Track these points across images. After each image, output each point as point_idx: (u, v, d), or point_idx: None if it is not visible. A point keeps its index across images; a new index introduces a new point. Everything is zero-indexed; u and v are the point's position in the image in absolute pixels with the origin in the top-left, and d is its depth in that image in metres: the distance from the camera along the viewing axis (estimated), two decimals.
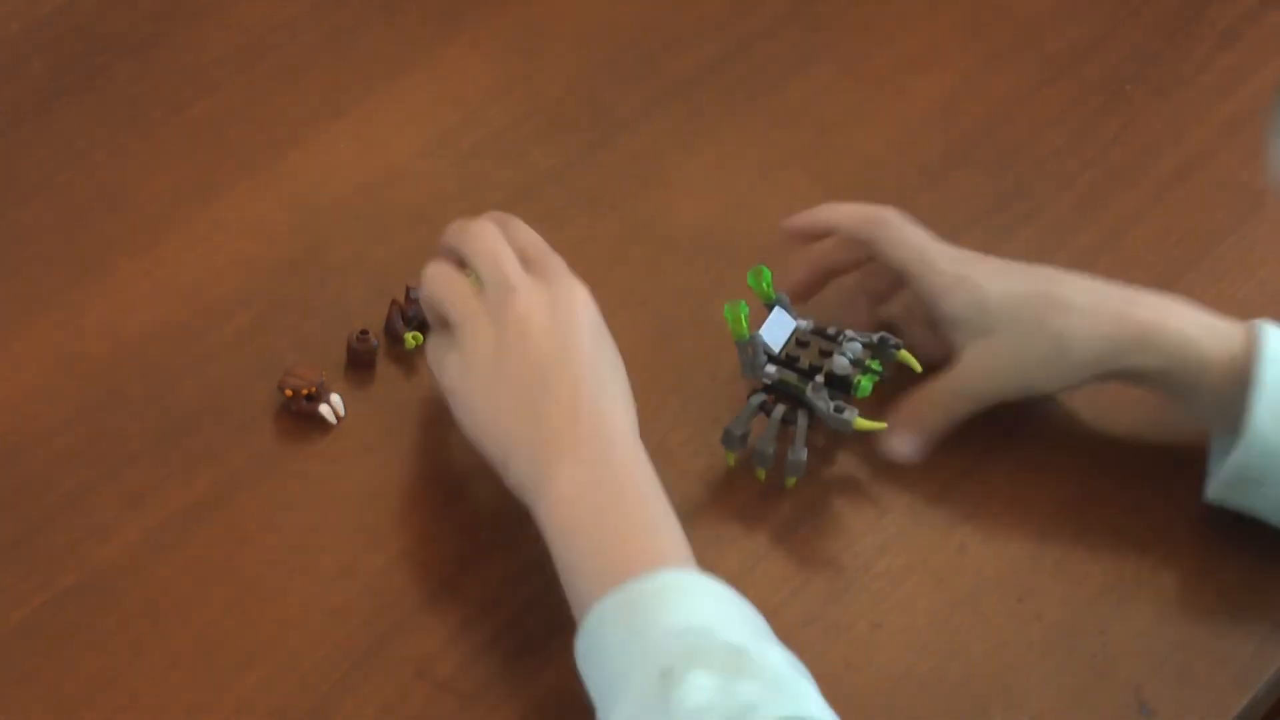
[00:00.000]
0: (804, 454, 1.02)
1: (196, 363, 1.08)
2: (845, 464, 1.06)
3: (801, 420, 1.02)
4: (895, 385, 1.04)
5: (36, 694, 0.95)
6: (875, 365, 1.02)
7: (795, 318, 1.04)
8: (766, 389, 1.03)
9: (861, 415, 1.01)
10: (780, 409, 1.02)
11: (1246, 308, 1.10)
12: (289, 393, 1.05)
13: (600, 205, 1.19)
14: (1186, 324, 1.02)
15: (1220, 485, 1.01)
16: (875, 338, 1.03)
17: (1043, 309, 1.02)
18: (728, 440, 1.03)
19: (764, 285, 1.03)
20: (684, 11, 1.31)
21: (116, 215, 1.15)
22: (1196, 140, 1.26)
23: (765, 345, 1.02)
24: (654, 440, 1.06)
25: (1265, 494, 1.00)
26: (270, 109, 1.22)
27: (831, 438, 1.05)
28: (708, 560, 1.01)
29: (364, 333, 1.08)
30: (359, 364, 1.08)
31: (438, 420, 1.07)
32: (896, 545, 1.03)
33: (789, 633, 0.99)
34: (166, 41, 1.25)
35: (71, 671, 0.95)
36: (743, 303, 1.00)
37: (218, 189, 1.17)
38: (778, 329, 1.03)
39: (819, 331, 1.04)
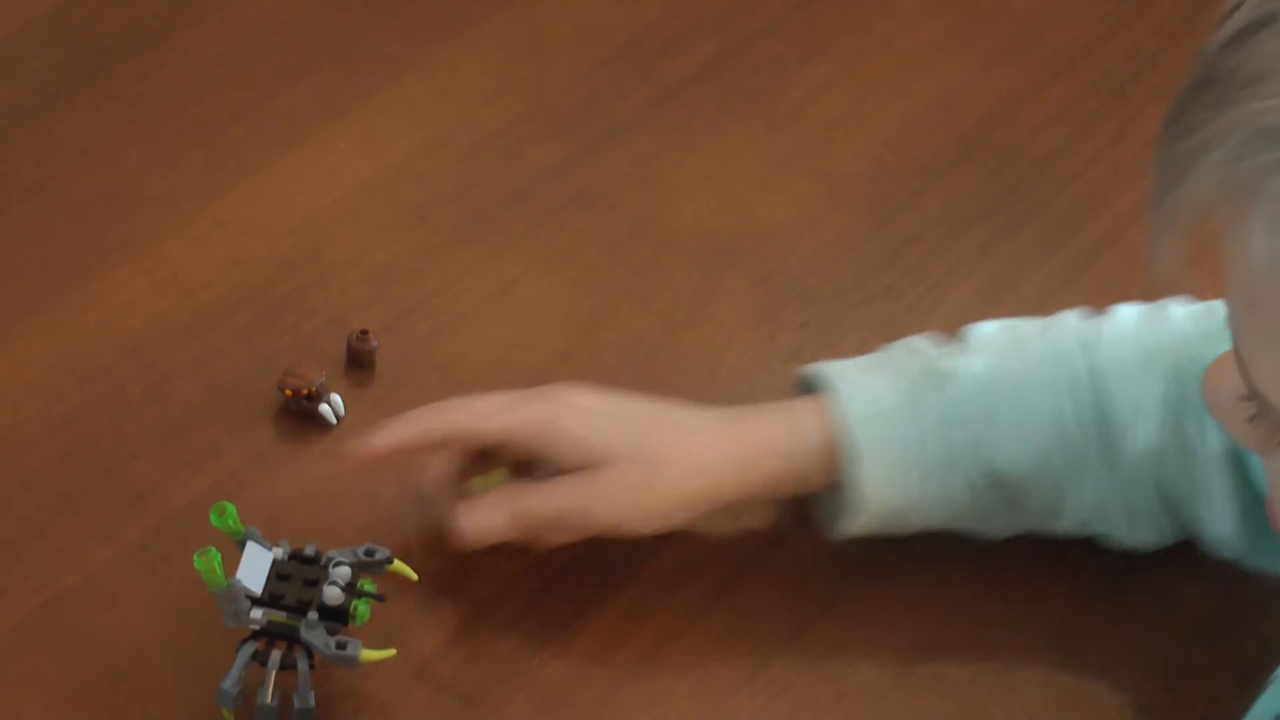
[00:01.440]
0: (311, 700, 0.92)
1: (196, 363, 1.08)
2: None
3: (302, 663, 0.92)
4: None
5: (36, 694, 0.95)
6: (369, 586, 0.93)
7: (269, 547, 0.94)
8: (257, 634, 0.93)
9: (366, 645, 0.92)
10: (276, 655, 0.92)
11: None
12: (289, 393, 1.05)
13: (600, 205, 1.19)
14: (760, 437, 1.00)
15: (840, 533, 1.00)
16: (361, 553, 0.94)
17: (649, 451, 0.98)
18: (223, 699, 0.92)
19: (229, 521, 0.93)
20: (684, 11, 1.31)
21: (116, 215, 1.16)
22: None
23: (245, 589, 0.91)
24: None
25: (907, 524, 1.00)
26: (270, 109, 1.22)
27: None
28: (706, 559, 1.02)
29: (364, 332, 1.08)
30: (359, 364, 1.08)
31: None
32: (895, 545, 1.03)
33: (789, 634, 0.99)
34: (166, 41, 1.25)
35: (71, 671, 0.95)
36: (212, 549, 0.89)
37: (218, 189, 1.17)
38: (255, 566, 0.93)
39: (298, 557, 0.94)
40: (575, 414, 0.97)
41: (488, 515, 0.96)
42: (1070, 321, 1.00)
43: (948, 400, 0.97)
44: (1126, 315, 1.00)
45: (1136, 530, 0.99)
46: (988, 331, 1.01)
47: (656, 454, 0.97)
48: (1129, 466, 0.97)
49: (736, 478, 0.98)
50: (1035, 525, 1.00)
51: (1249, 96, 0.65)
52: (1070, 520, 0.99)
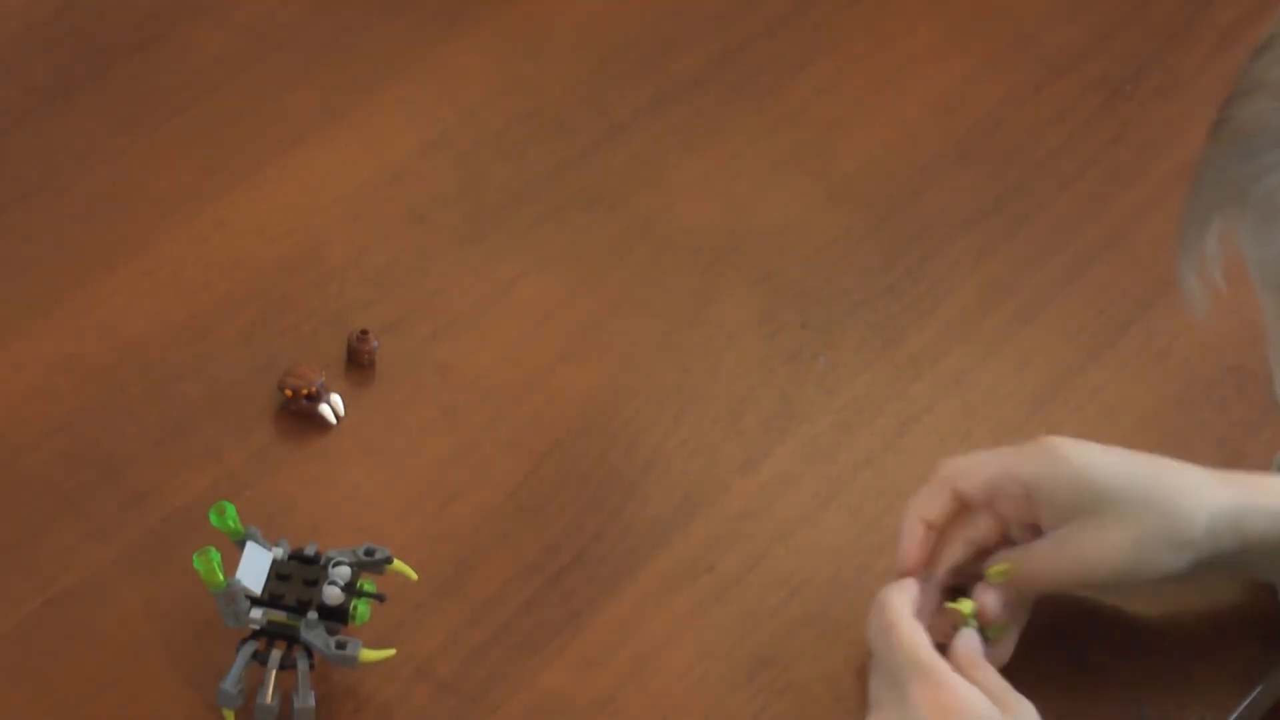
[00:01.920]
0: (312, 700, 0.92)
1: (196, 363, 1.08)
2: (844, 466, 1.06)
3: (303, 663, 0.92)
4: None
5: (36, 694, 0.95)
6: (369, 586, 0.93)
7: (269, 547, 0.94)
8: (256, 634, 0.93)
9: (366, 645, 0.92)
10: (276, 655, 0.93)
11: (1245, 307, 1.10)
12: (289, 393, 1.06)
13: (600, 205, 1.19)
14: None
15: None
16: (361, 553, 0.94)
17: (1152, 481, 0.95)
18: (223, 699, 0.92)
19: (229, 521, 0.93)
20: (684, 11, 1.31)
21: (116, 215, 1.16)
22: (1196, 140, 1.25)
23: (245, 589, 0.92)
24: (653, 440, 1.06)
25: None
26: (270, 109, 1.22)
27: None
28: (709, 561, 1.02)
29: (364, 332, 1.08)
30: (359, 364, 1.08)
31: (438, 420, 1.07)
32: (895, 546, 1.03)
33: (788, 633, 0.99)
34: (166, 41, 1.25)
35: (71, 671, 0.95)
36: (212, 549, 0.90)
37: (218, 189, 1.17)
38: (255, 566, 0.93)
39: (298, 557, 0.94)
40: (1073, 443, 0.94)
41: (995, 611, 0.94)
42: None
43: None
44: None
45: None
46: None
47: (1171, 480, 0.94)
48: None
49: (1269, 531, 0.94)
50: None
51: (1242, 105, 0.70)
52: None
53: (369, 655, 0.92)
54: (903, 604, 0.92)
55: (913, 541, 0.96)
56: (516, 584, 1.00)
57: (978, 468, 0.96)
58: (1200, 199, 0.72)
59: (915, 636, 0.90)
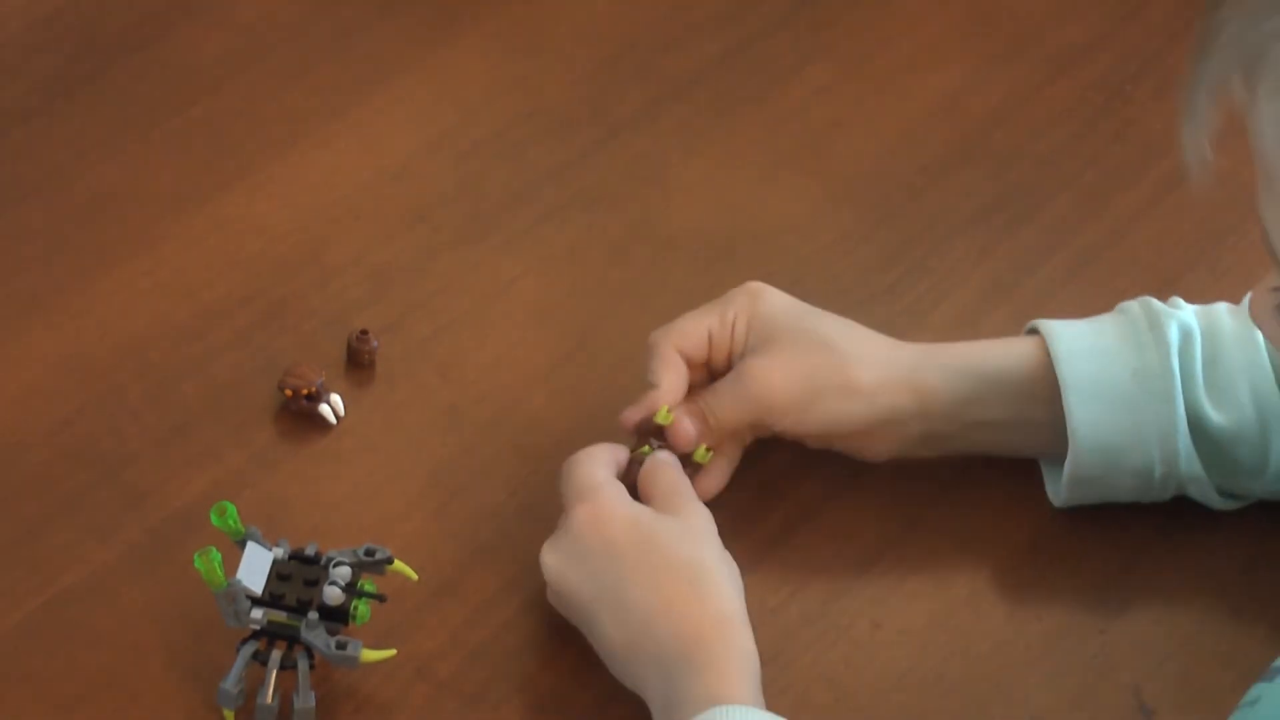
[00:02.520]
0: (312, 700, 0.92)
1: (196, 363, 1.08)
2: (844, 465, 1.06)
3: (303, 663, 0.92)
4: None
5: (36, 694, 0.95)
6: (369, 586, 0.93)
7: (269, 547, 0.94)
8: (257, 634, 0.93)
9: (366, 645, 0.92)
10: (277, 655, 0.93)
11: (1245, 308, 1.10)
12: (289, 393, 1.06)
13: (600, 205, 1.19)
14: (974, 348, 1.03)
15: (1065, 494, 1.01)
16: (361, 553, 0.94)
17: (831, 329, 1.02)
18: (223, 699, 0.92)
19: (229, 521, 0.93)
20: (684, 11, 1.31)
21: (116, 215, 1.16)
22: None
23: (246, 589, 0.92)
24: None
25: (1109, 485, 1.01)
26: (270, 109, 1.22)
27: None
28: None
29: (364, 333, 1.08)
30: (359, 364, 1.08)
31: (438, 420, 1.07)
32: (896, 546, 1.03)
33: (789, 633, 0.99)
34: (166, 41, 1.25)
35: (71, 671, 0.95)
36: (213, 549, 0.90)
37: (218, 189, 1.17)
38: (255, 566, 0.93)
39: (298, 557, 0.94)
40: (772, 289, 1.03)
41: (685, 427, 1.00)
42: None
43: (1164, 340, 0.99)
44: None
45: None
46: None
47: (851, 334, 1.02)
48: None
49: (942, 383, 1.00)
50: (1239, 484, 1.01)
51: None
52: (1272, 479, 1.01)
53: (369, 655, 0.92)
54: (596, 451, 0.97)
55: (636, 413, 1.00)
56: (517, 584, 1.00)
57: (693, 328, 1.01)
58: (1211, 64, 0.72)
59: (591, 466, 0.96)
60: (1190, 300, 1.04)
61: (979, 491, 1.06)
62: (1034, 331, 1.03)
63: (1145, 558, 1.03)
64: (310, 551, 0.94)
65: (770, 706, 0.92)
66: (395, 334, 1.10)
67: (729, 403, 1.01)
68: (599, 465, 0.97)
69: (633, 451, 1.00)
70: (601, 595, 0.92)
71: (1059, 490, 1.02)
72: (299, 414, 1.06)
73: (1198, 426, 0.99)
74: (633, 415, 1.00)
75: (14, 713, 0.94)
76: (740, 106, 1.25)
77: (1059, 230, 1.19)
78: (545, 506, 1.03)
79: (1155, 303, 1.02)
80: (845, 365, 1.00)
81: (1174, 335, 0.99)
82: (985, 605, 1.01)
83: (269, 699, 0.93)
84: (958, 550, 1.03)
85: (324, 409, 1.06)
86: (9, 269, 1.12)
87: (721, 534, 1.03)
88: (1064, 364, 0.99)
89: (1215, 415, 0.99)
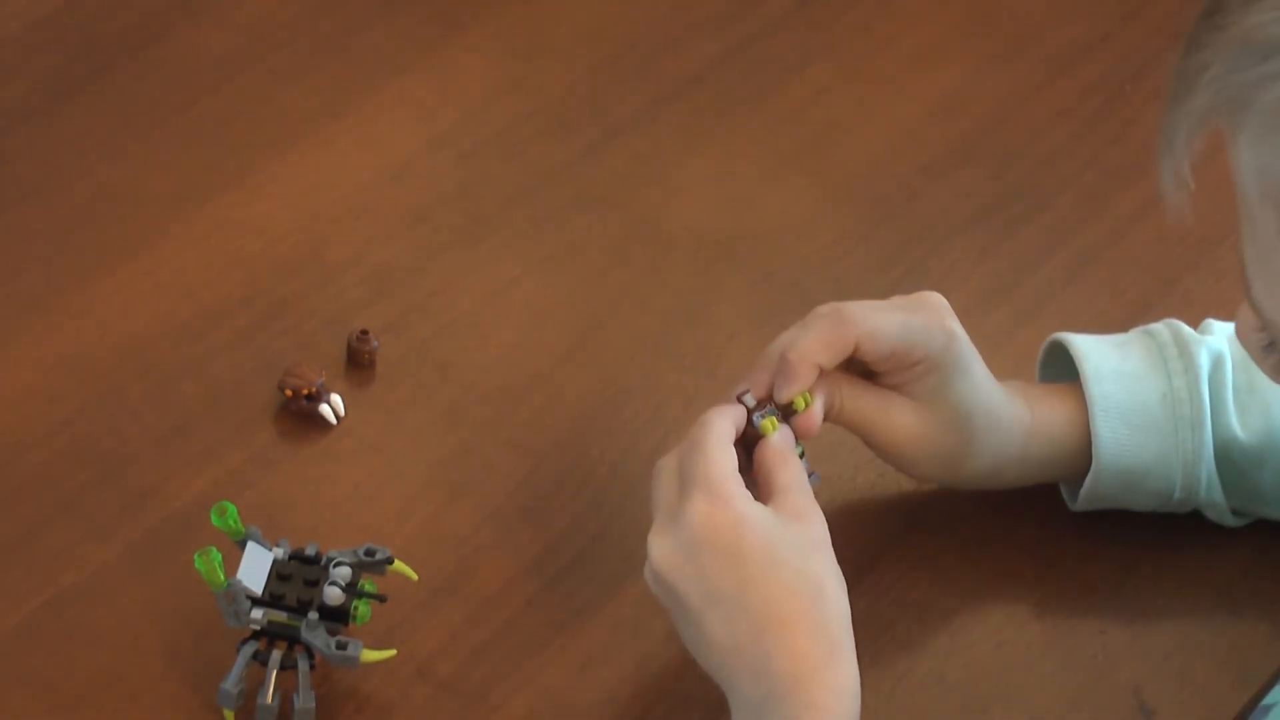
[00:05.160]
0: (312, 700, 0.92)
1: (196, 363, 1.08)
2: (845, 465, 1.06)
3: (303, 663, 0.92)
4: None
5: (36, 694, 0.95)
6: (369, 586, 0.93)
7: (269, 547, 0.94)
8: (257, 634, 0.93)
9: (366, 646, 0.92)
10: (277, 655, 0.93)
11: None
12: (289, 393, 1.06)
13: (600, 205, 1.19)
14: (1061, 408, 1.01)
15: (1079, 506, 1.02)
16: (362, 553, 0.94)
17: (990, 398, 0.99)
18: (223, 699, 0.92)
19: (229, 521, 0.93)
20: (684, 11, 1.31)
21: (116, 215, 1.16)
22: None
23: (246, 589, 0.92)
24: (654, 440, 1.06)
25: (1125, 500, 1.01)
26: (270, 109, 1.22)
27: None
28: None
29: (364, 332, 1.08)
30: (359, 364, 1.08)
31: (438, 420, 1.07)
32: (896, 546, 1.03)
33: None
34: (166, 41, 1.25)
35: (71, 671, 0.95)
36: (213, 549, 0.90)
37: (218, 189, 1.17)
38: (256, 566, 0.93)
39: (298, 557, 0.94)
40: (953, 315, 0.97)
41: (816, 419, 0.94)
42: None
43: (1193, 366, 0.98)
44: None
45: None
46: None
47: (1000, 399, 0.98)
48: None
49: (1042, 452, 0.99)
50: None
51: (1245, 13, 0.68)
52: None
53: (370, 655, 0.92)
54: (724, 427, 0.91)
55: (796, 380, 0.93)
56: (516, 584, 1.00)
57: (886, 338, 0.94)
58: (1192, 105, 0.71)
59: (718, 455, 0.90)
60: (1190, 300, 1.05)
61: (979, 494, 1.06)
62: (1056, 344, 1.03)
63: (1145, 558, 1.03)
64: (310, 551, 0.94)
65: None
66: (395, 334, 1.10)
67: (859, 422, 0.97)
68: (724, 451, 0.90)
69: (750, 412, 0.93)
70: (714, 596, 0.87)
71: (1073, 499, 1.02)
72: (299, 414, 1.06)
73: (1224, 453, 0.99)
74: (766, 381, 0.94)
75: (14, 713, 0.94)
76: (740, 106, 1.25)
77: (1059, 230, 1.19)
78: (545, 507, 1.03)
79: (1184, 327, 1.01)
80: (969, 453, 0.98)
81: (1204, 362, 0.99)
82: (985, 605, 1.01)
83: (269, 699, 0.93)
84: (958, 550, 1.03)
85: (324, 409, 1.06)
86: (9, 269, 1.12)
87: None
88: (1092, 383, 0.99)
89: (1244, 439, 0.99)
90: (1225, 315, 1.06)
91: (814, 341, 0.93)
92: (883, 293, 1.14)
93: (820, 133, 1.24)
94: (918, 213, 1.20)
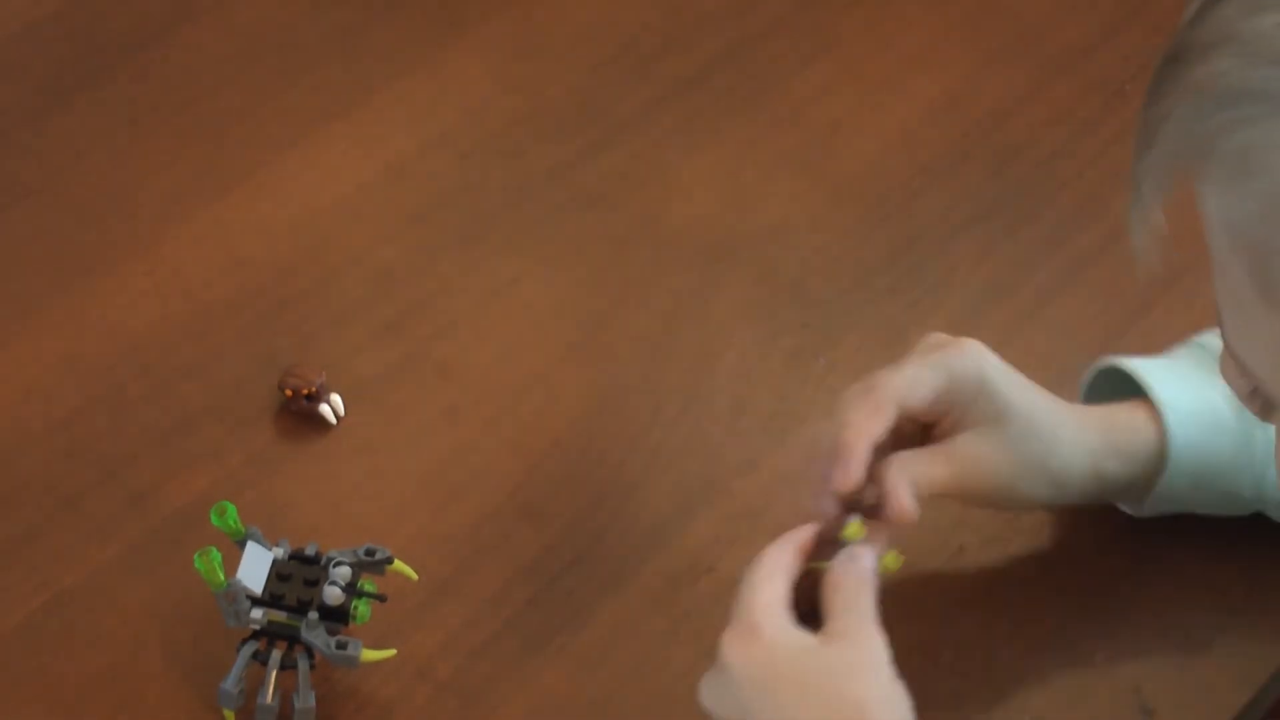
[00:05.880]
0: (312, 700, 0.93)
1: (196, 363, 1.08)
2: None
3: (303, 663, 0.93)
4: None
5: (36, 694, 0.95)
6: (369, 586, 0.93)
7: (269, 547, 0.94)
8: (257, 634, 0.93)
9: (366, 645, 0.92)
10: (277, 655, 0.93)
11: None
12: (289, 393, 1.06)
13: (600, 205, 1.19)
14: (1137, 422, 0.99)
15: (1146, 509, 1.01)
16: (362, 553, 0.94)
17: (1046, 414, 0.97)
18: (223, 699, 0.93)
19: (229, 521, 0.93)
20: (684, 11, 1.31)
21: (116, 215, 1.16)
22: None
23: (246, 589, 0.92)
24: (654, 440, 1.06)
25: (1192, 502, 1.00)
26: (270, 109, 1.22)
27: None
28: (709, 561, 1.01)
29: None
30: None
31: (438, 420, 1.07)
32: (896, 546, 1.03)
33: None
34: (167, 42, 1.25)
35: (71, 671, 0.95)
36: (213, 549, 0.90)
37: (218, 189, 1.17)
38: (255, 566, 0.93)
39: (298, 557, 0.94)
40: (991, 354, 0.95)
41: (907, 503, 0.92)
42: None
43: None
44: None
45: None
46: None
47: (1057, 418, 0.96)
48: None
49: (1120, 470, 0.97)
50: None
51: (1204, 62, 0.68)
52: None
53: (370, 655, 0.92)
54: (775, 558, 0.89)
55: (859, 466, 0.91)
56: (516, 584, 1.00)
57: (923, 384, 0.93)
58: (1156, 155, 0.71)
59: (760, 586, 0.87)
60: (1190, 300, 1.05)
61: None
62: (1099, 374, 1.02)
63: (1145, 558, 1.03)
64: (310, 551, 0.94)
65: None
66: (395, 334, 1.10)
67: (938, 477, 0.94)
68: (768, 582, 0.88)
69: (826, 526, 0.91)
70: None
71: (1139, 504, 1.01)
72: (299, 414, 1.06)
73: None
74: (841, 479, 0.90)
75: (14, 713, 0.94)
76: (740, 106, 1.25)
77: (1059, 230, 1.19)
78: (545, 507, 1.03)
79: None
80: (1048, 455, 0.96)
81: None
82: (985, 605, 1.01)
83: (269, 699, 0.93)
84: (958, 550, 1.03)
85: (324, 409, 1.06)
86: (9, 269, 1.12)
87: (720, 535, 1.03)
88: (1157, 387, 0.97)
89: None
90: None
91: (856, 415, 0.92)
92: (883, 292, 1.15)
93: (820, 133, 1.24)
94: (918, 213, 1.20)
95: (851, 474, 0.91)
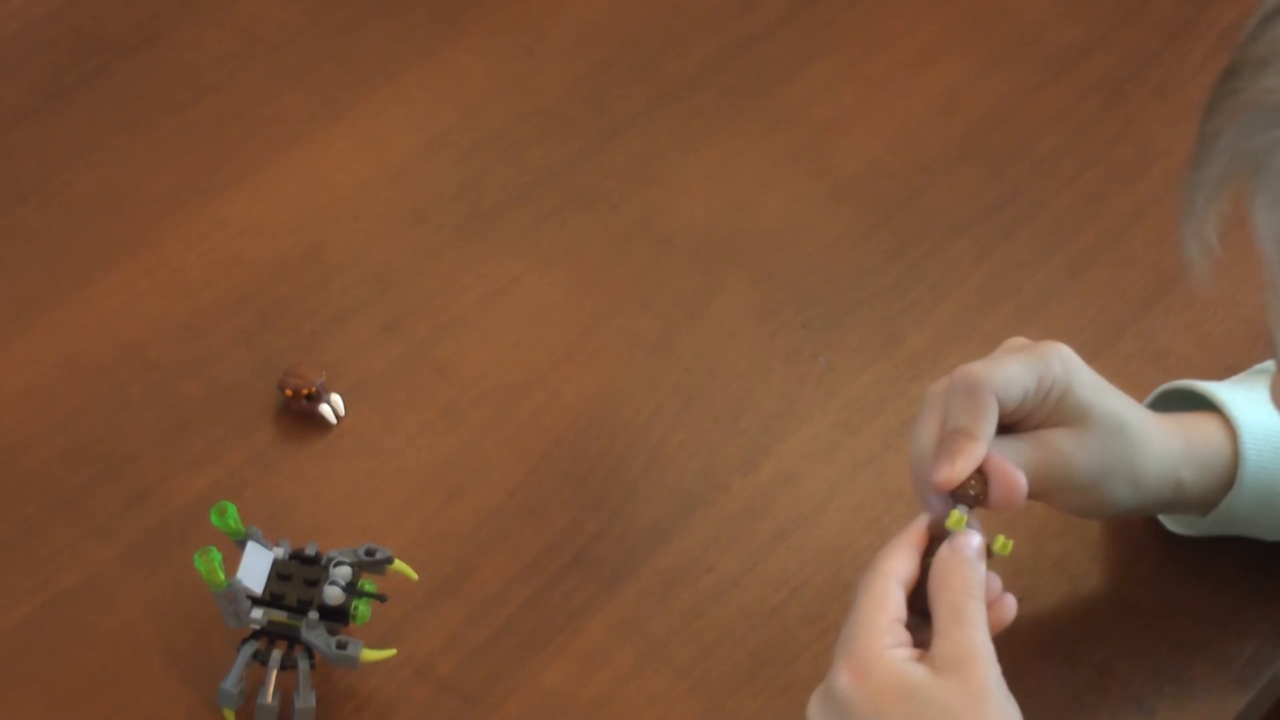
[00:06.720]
0: (312, 700, 0.93)
1: (196, 363, 1.08)
2: (845, 464, 1.06)
3: (303, 663, 0.92)
4: None
5: (36, 694, 0.95)
6: (369, 586, 0.93)
7: (269, 547, 0.94)
8: (257, 634, 0.93)
9: (367, 645, 0.92)
10: (277, 655, 0.93)
11: (1244, 307, 1.10)
12: (289, 393, 1.06)
13: (600, 205, 1.19)
14: (1212, 434, 0.98)
15: (1203, 527, 1.00)
16: (362, 553, 0.94)
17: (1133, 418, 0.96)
18: (224, 699, 0.92)
19: (229, 521, 0.93)
20: (684, 11, 1.31)
21: (116, 215, 1.16)
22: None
23: (246, 589, 0.92)
24: (654, 440, 1.06)
25: (1251, 524, 1.00)
26: (270, 109, 1.22)
27: None
28: (709, 561, 1.02)
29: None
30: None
31: (437, 420, 1.07)
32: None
33: (789, 633, 0.99)
34: (166, 41, 1.25)
35: (71, 671, 0.95)
36: (213, 549, 0.90)
37: (218, 189, 1.17)
38: (256, 566, 0.93)
39: (298, 557, 0.94)
40: (1077, 357, 0.94)
41: (1018, 481, 0.90)
42: None
43: None
44: None
45: None
46: None
47: (1142, 423, 0.95)
48: None
49: (1194, 479, 0.96)
50: None
51: (1258, 78, 0.68)
52: None
53: (370, 655, 0.92)
54: (889, 572, 0.86)
55: (972, 462, 0.89)
56: (516, 584, 1.00)
57: (1016, 382, 0.92)
58: (1209, 170, 0.71)
59: (871, 613, 0.85)
60: (1190, 300, 1.05)
61: None
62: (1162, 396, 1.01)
63: (1145, 557, 1.03)
64: (310, 551, 0.94)
65: (770, 706, 0.92)
66: (395, 334, 1.10)
67: (1027, 465, 0.92)
68: (879, 607, 0.86)
69: (935, 523, 0.89)
70: None
71: (1194, 524, 1.00)
72: (299, 414, 1.06)
73: None
74: (946, 472, 0.88)
75: (14, 713, 0.94)
76: (740, 106, 1.25)
77: (1059, 230, 1.19)
78: (545, 507, 1.03)
79: None
80: (1136, 456, 0.95)
81: None
82: None
83: (269, 699, 0.93)
84: None
85: (324, 409, 1.06)
86: (9, 269, 1.12)
87: (720, 535, 1.03)
88: (1230, 408, 0.97)
89: None
90: (1225, 314, 1.06)
91: (964, 415, 0.90)
92: (883, 292, 1.15)
93: (820, 133, 1.24)
94: (918, 213, 1.20)
95: (959, 469, 0.89)
